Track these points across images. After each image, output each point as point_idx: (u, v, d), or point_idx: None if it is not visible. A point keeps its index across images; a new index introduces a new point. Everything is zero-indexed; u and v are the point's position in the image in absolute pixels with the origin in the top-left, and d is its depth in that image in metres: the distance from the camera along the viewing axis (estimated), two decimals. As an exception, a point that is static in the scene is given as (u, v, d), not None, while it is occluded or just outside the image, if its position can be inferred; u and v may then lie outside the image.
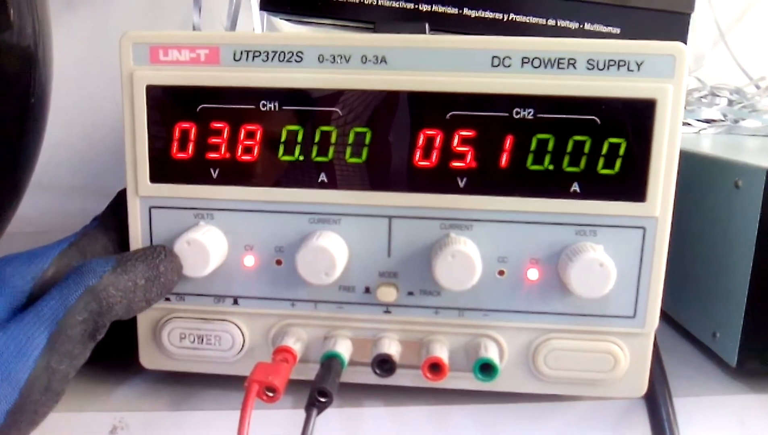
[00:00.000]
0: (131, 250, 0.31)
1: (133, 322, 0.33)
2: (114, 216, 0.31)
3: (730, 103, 0.63)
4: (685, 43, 0.38)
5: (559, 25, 0.37)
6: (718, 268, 0.37)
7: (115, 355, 0.35)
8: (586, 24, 0.37)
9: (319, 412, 0.27)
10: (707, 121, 0.60)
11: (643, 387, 0.31)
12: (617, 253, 0.29)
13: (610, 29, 0.37)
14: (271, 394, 0.27)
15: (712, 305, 0.38)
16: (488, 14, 0.37)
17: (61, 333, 0.25)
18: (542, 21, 0.37)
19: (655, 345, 0.34)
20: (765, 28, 0.71)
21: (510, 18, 0.37)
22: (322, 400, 0.27)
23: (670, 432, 0.32)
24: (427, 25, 0.35)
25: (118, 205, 0.32)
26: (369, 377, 0.31)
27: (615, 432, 0.34)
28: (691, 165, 0.42)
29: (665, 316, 0.43)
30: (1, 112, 0.35)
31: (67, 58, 0.46)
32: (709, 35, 0.68)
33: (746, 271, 0.34)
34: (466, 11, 0.37)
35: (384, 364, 0.29)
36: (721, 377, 0.36)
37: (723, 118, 0.60)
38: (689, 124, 0.59)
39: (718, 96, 0.63)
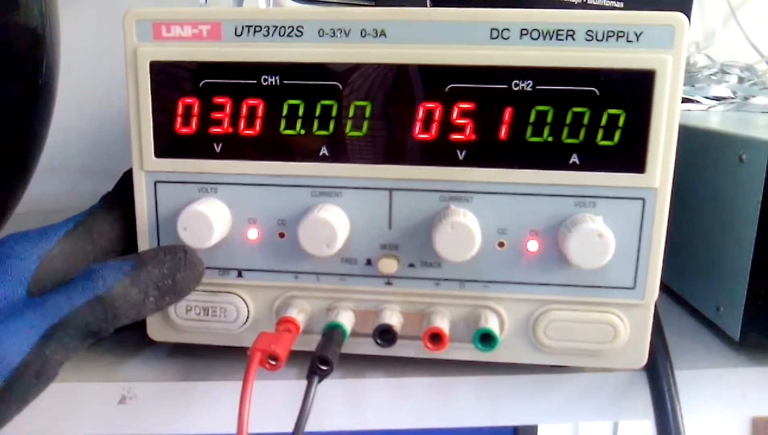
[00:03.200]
0: (138, 226, 0.31)
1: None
2: (120, 195, 0.32)
3: (741, 80, 0.62)
4: (689, 17, 0.37)
5: (561, -1, 0.37)
6: (722, 243, 0.37)
7: (123, 329, 0.36)
8: (589, -2, 0.37)
9: (320, 380, 0.27)
10: (717, 99, 0.60)
11: (644, 358, 0.32)
12: (617, 225, 0.29)
13: (612, 2, 0.37)
14: (273, 363, 0.27)
15: (716, 279, 0.38)
16: (491, -12, 0.37)
17: (62, 327, 0.25)
18: (545, -5, 0.37)
19: (657, 317, 0.34)
20: (776, 5, 0.70)
21: (513, -8, 0.37)
22: (324, 368, 0.27)
23: (671, 404, 0.32)
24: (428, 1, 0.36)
25: (125, 184, 0.32)
26: (371, 348, 0.31)
27: (617, 404, 0.34)
28: (696, 140, 0.42)
29: (669, 290, 0.44)
30: (9, 93, 0.35)
31: (76, 41, 0.47)
32: (720, 13, 0.67)
33: (749, 245, 0.34)
34: (468, -14, 0.37)
35: (385, 335, 0.30)
36: (723, 351, 0.36)
37: (733, 96, 0.60)
38: (698, 102, 0.59)
39: (728, 73, 0.63)
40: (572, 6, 0.37)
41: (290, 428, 0.27)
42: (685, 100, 0.59)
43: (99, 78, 0.57)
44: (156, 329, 0.33)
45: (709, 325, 0.38)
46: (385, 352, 0.31)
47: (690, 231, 0.41)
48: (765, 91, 0.60)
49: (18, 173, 0.38)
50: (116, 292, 0.26)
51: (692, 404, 0.34)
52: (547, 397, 0.34)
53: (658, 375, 0.33)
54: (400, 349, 0.31)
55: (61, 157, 0.57)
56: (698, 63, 0.65)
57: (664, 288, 0.44)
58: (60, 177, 0.58)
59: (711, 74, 0.63)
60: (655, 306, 0.32)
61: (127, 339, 0.36)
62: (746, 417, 0.83)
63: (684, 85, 0.59)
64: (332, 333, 0.29)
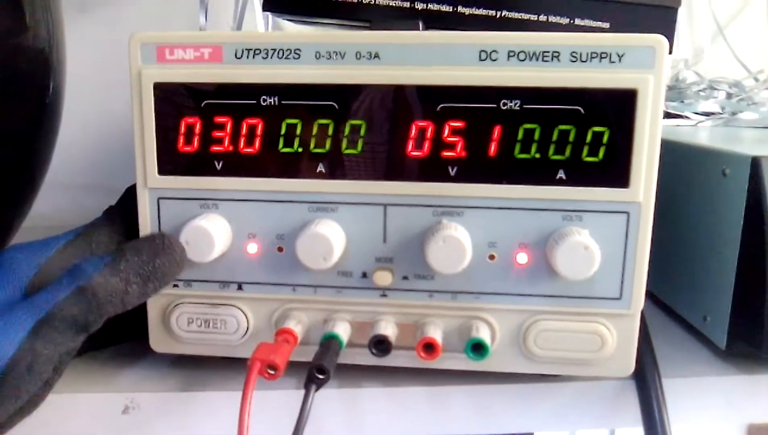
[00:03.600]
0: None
1: (143, 308, 0.34)
2: (121, 209, 0.33)
3: (729, 96, 0.64)
4: (672, 37, 0.39)
5: (549, 20, 0.39)
6: (708, 254, 0.38)
7: (127, 340, 0.37)
8: (576, 19, 0.39)
9: (317, 388, 0.28)
10: (706, 114, 0.61)
11: (631, 366, 0.33)
12: (603, 237, 0.30)
13: (599, 24, 0.39)
14: (272, 372, 0.28)
15: (702, 290, 0.39)
16: (481, 11, 0.38)
17: (47, 321, 0.26)
18: (533, 17, 0.39)
19: (645, 327, 0.35)
20: (763, 21, 0.72)
21: (502, 15, 0.39)
22: (320, 376, 0.28)
23: (658, 411, 0.33)
24: (420, 23, 0.37)
25: (126, 199, 0.33)
26: (367, 359, 0.32)
27: (608, 412, 0.35)
28: (682, 155, 0.43)
29: (658, 301, 0.45)
30: (19, 111, 0.36)
31: (80, 61, 0.48)
32: (708, 30, 0.69)
33: (734, 256, 0.35)
34: (460, 9, 0.39)
35: (380, 345, 0.31)
36: (710, 359, 0.37)
37: (721, 111, 0.61)
38: (687, 117, 0.60)
39: (716, 89, 0.64)
40: (560, 27, 0.38)
41: (289, 437, 0.28)
42: (673, 116, 0.60)
43: (101, 98, 0.58)
44: (158, 341, 0.34)
45: (696, 334, 0.40)
46: (380, 362, 0.32)
47: (678, 243, 0.42)
48: (753, 106, 0.61)
49: (25, 189, 0.39)
50: (97, 283, 0.27)
51: (680, 411, 0.35)
52: (539, 406, 0.35)
53: (645, 383, 0.34)
54: (395, 359, 0.32)
55: (66, 173, 0.58)
56: (687, 79, 0.66)
57: (653, 298, 0.45)
58: (64, 193, 0.59)
59: (699, 90, 0.64)
60: (643, 316, 0.34)
61: (130, 350, 0.37)
62: (742, 425, 0.84)
63: (673, 102, 0.61)
64: (329, 343, 0.30)
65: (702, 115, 0.61)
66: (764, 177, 0.34)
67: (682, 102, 0.61)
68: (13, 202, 0.38)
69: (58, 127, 0.42)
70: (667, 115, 0.60)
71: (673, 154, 0.45)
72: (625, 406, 0.35)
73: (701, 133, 0.53)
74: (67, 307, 0.27)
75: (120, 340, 0.37)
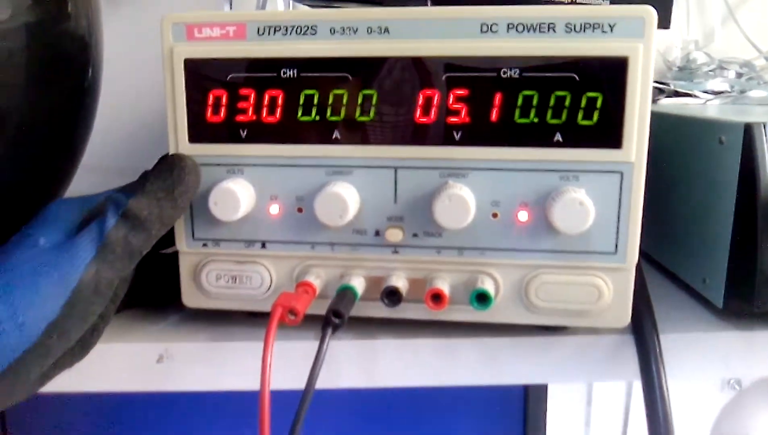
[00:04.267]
0: None
1: (170, 274, 0.38)
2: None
3: (739, 76, 0.65)
4: (670, 10, 0.41)
5: (551, -4, 0.41)
6: (706, 219, 0.40)
7: (160, 301, 0.40)
8: (576, -6, 0.41)
9: (333, 331, 0.31)
10: (715, 93, 0.63)
11: (627, 317, 0.35)
12: (598, 196, 0.33)
13: None
14: (293, 317, 0.31)
15: (702, 253, 0.41)
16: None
17: (106, 248, 0.30)
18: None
19: (644, 283, 0.38)
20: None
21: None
22: (336, 321, 0.31)
23: (655, 364, 0.35)
24: (429, 0, 0.39)
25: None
26: (380, 311, 0.35)
27: (607, 365, 0.37)
28: (684, 127, 0.45)
29: (660, 268, 0.47)
30: (60, 95, 0.40)
31: (114, 47, 0.51)
32: (719, 12, 0.70)
33: (729, 219, 0.37)
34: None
35: (392, 295, 0.34)
36: (708, 318, 0.39)
37: (730, 90, 0.63)
38: (696, 96, 0.62)
39: (726, 69, 0.66)
40: (563, 2, 0.40)
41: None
42: (683, 95, 0.62)
43: (132, 84, 0.62)
44: (190, 296, 0.37)
45: (696, 297, 0.41)
46: (392, 314, 0.35)
47: (678, 210, 0.44)
48: (763, 85, 0.63)
49: (65, 166, 0.42)
50: (134, 205, 0.31)
51: (677, 366, 0.37)
52: (542, 358, 0.37)
53: (644, 338, 0.36)
54: (405, 311, 0.35)
55: (99, 157, 0.61)
56: (698, 60, 0.68)
57: (656, 264, 0.47)
58: (97, 175, 0.62)
59: (710, 71, 0.66)
60: (642, 273, 0.35)
61: (161, 310, 0.40)
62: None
63: (683, 81, 0.63)
64: (345, 293, 0.33)
65: (711, 94, 0.62)
66: (756, 142, 0.36)
67: (692, 81, 0.63)
68: (53, 181, 0.41)
69: (95, 109, 0.45)
70: (676, 94, 0.62)
71: (676, 126, 0.47)
72: (624, 361, 0.37)
73: (708, 110, 0.54)
74: (118, 233, 0.30)
75: (150, 302, 0.40)
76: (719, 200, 0.38)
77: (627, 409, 0.61)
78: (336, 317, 0.31)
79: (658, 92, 0.61)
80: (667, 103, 0.60)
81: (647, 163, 0.33)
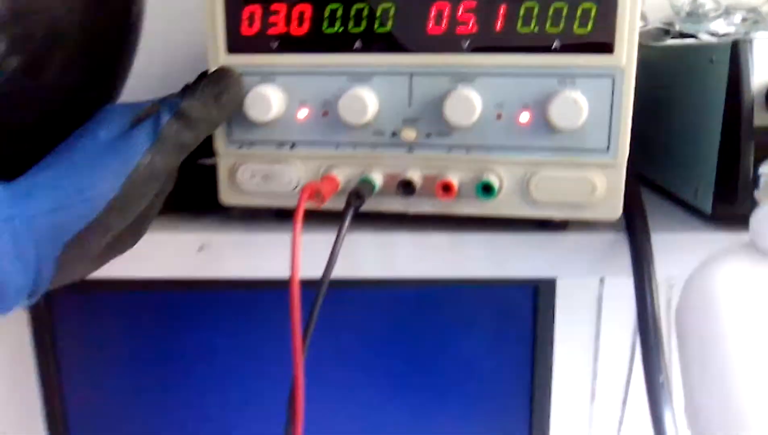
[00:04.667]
0: None
1: (212, 180, 0.42)
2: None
3: (745, 20, 0.68)
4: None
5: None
6: (698, 134, 0.44)
7: (198, 206, 0.45)
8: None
9: (355, 211, 0.35)
10: (719, 36, 0.65)
11: (618, 210, 0.39)
12: (592, 97, 0.36)
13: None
14: (319, 198, 0.36)
15: (693, 166, 0.44)
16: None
17: (160, 139, 0.35)
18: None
19: (637, 188, 0.41)
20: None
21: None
22: (357, 202, 0.35)
23: (646, 260, 0.39)
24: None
25: (202, 77, 0.41)
26: (396, 204, 0.39)
27: (603, 257, 0.41)
28: (681, 56, 0.49)
29: (653, 187, 0.50)
30: (105, 32, 0.43)
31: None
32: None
33: (717, 131, 0.41)
34: None
35: (407, 186, 0.38)
36: (697, 223, 0.43)
37: (734, 33, 0.65)
38: (700, 39, 0.64)
39: (732, 14, 0.68)
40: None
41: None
42: (687, 36, 0.65)
43: (165, 28, 0.65)
44: (227, 194, 0.42)
45: (687, 209, 0.45)
46: (407, 209, 0.39)
47: (673, 130, 0.48)
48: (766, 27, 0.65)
49: (118, 76, 0.46)
50: (187, 105, 0.35)
51: (668, 263, 0.40)
52: (544, 253, 0.41)
53: (635, 235, 0.40)
54: (418, 205, 0.39)
55: (131, 98, 0.66)
56: (705, 5, 0.70)
57: (650, 186, 0.51)
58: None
59: (716, 15, 0.68)
60: (638, 184, 0.39)
61: (202, 212, 0.45)
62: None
63: (688, 23, 0.65)
64: (365, 183, 0.37)
65: (715, 36, 0.65)
66: (741, 57, 0.40)
67: (698, 23, 0.66)
68: (108, 86, 0.45)
69: (136, 48, 0.49)
70: (681, 35, 0.65)
71: (674, 56, 0.50)
72: (618, 257, 0.40)
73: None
74: (171, 129, 0.35)
75: (190, 207, 0.45)
76: (710, 116, 0.42)
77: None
78: (357, 198, 0.35)
79: (664, 33, 0.64)
80: (672, 43, 0.63)
81: (646, 91, 0.36)
